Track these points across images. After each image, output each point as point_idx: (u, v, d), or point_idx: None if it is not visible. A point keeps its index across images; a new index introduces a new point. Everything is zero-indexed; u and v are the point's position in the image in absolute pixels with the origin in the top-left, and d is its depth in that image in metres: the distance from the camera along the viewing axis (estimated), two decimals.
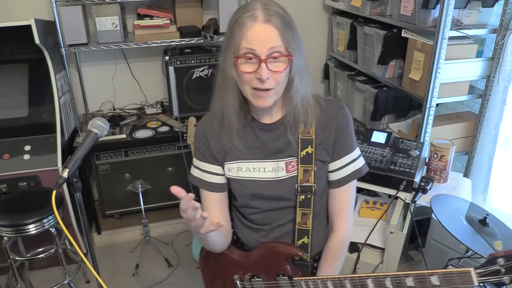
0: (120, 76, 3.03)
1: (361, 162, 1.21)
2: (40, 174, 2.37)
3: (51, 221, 2.14)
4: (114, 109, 3.08)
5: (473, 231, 1.45)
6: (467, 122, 2.27)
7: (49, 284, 2.40)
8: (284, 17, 1.04)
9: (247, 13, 1.02)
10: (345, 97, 2.96)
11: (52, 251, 2.26)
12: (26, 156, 2.38)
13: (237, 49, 1.03)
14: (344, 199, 1.22)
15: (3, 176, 2.33)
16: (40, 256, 2.28)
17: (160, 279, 2.58)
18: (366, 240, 1.79)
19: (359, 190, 2.16)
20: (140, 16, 2.72)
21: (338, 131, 1.16)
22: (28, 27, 2.20)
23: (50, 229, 2.15)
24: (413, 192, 1.71)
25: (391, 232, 1.68)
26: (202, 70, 2.75)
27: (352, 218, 1.26)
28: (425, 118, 2.10)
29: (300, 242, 1.21)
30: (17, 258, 2.25)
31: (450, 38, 1.95)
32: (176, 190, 0.92)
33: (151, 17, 2.69)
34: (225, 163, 1.20)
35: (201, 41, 2.70)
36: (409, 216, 1.75)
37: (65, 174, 1.13)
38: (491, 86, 2.12)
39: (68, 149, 2.52)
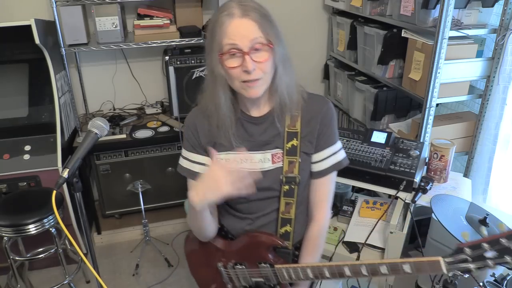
0: (120, 76, 3.03)
1: (342, 154, 1.27)
2: (40, 174, 2.37)
3: (51, 221, 2.14)
4: (114, 109, 3.08)
5: (473, 231, 1.45)
6: (467, 122, 2.27)
7: (49, 284, 2.41)
8: (260, 10, 1.09)
9: (224, 12, 1.07)
10: (345, 97, 2.96)
11: (52, 251, 2.26)
12: (26, 156, 2.38)
13: (220, 47, 1.08)
14: (325, 190, 1.28)
15: (3, 176, 2.34)
16: (40, 256, 2.28)
17: (160, 279, 2.58)
18: (366, 240, 1.79)
19: (359, 190, 2.16)
20: (140, 16, 2.72)
21: (323, 124, 1.21)
22: (28, 27, 2.20)
23: (50, 229, 2.15)
24: (413, 192, 1.71)
25: (391, 232, 1.68)
26: (202, 70, 2.75)
27: (330, 209, 1.31)
28: (425, 118, 2.10)
29: (282, 230, 1.27)
30: (17, 258, 2.25)
31: (450, 38, 1.95)
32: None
33: (151, 17, 2.69)
34: None
35: (201, 41, 2.70)
36: (409, 216, 1.74)
37: (65, 174, 1.13)
38: (491, 86, 2.12)
39: (68, 149, 2.52)
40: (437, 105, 2.15)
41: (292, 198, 1.23)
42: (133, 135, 2.73)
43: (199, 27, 2.78)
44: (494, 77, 2.10)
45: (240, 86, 1.12)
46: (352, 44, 2.77)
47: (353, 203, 2.02)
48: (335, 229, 1.89)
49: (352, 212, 1.96)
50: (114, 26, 2.58)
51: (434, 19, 1.99)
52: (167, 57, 2.72)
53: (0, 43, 2.45)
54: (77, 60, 2.89)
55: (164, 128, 2.81)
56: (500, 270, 1.74)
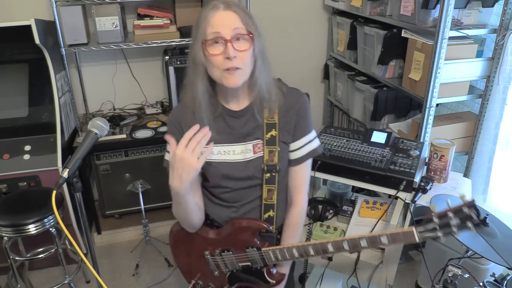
0: (120, 76, 3.03)
1: (316, 142, 1.36)
2: (40, 174, 2.37)
3: (51, 221, 2.14)
4: (114, 109, 3.08)
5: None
6: (467, 122, 2.27)
7: (49, 284, 2.41)
8: (242, 8, 1.20)
9: (209, 7, 1.18)
10: (345, 97, 2.96)
11: (52, 251, 2.26)
12: (26, 156, 2.38)
13: (204, 36, 1.16)
14: (302, 176, 1.37)
15: (3, 176, 2.33)
16: (40, 256, 2.28)
17: (160, 279, 2.58)
18: None
19: (359, 190, 2.16)
20: (140, 16, 2.72)
21: (299, 115, 1.30)
22: (28, 27, 2.20)
23: (50, 229, 2.15)
24: (413, 192, 1.71)
25: None
26: None
27: (307, 193, 1.41)
28: (425, 118, 2.11)
29: (266, 215, 1.34)
30: (17, 258, 2.25)
31: (450, 38, 1.95)
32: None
33: (151, 17, 2.69)
34: None
35: None
36: (409, 216, 1.75)
37: (65, 174, 1.13)
38: (491, 86, 2.12)
39: (68, 149, 2.52)
40: (437, 105, 2.15)
41: (273, 185, 1.31)
42: (133, 135, 2.73)
43: None
44: (494, 77, 2.10)
45: (220, 75, 1.17)
46: (352, 44, 2.77)
47: (353, 203, 2.02)
48: (335, 229, 1.89)
49: (352, 212, 1.96)
50: (114, 26, 2.58)
51: (434, 19, 1.99)
52: (167, 57, 2.72)
53: (0, 43, 2.45)
54: (77, 60, 2.89)
55: (164, 128, 2.81)
56: (500, 270, 1.74)
